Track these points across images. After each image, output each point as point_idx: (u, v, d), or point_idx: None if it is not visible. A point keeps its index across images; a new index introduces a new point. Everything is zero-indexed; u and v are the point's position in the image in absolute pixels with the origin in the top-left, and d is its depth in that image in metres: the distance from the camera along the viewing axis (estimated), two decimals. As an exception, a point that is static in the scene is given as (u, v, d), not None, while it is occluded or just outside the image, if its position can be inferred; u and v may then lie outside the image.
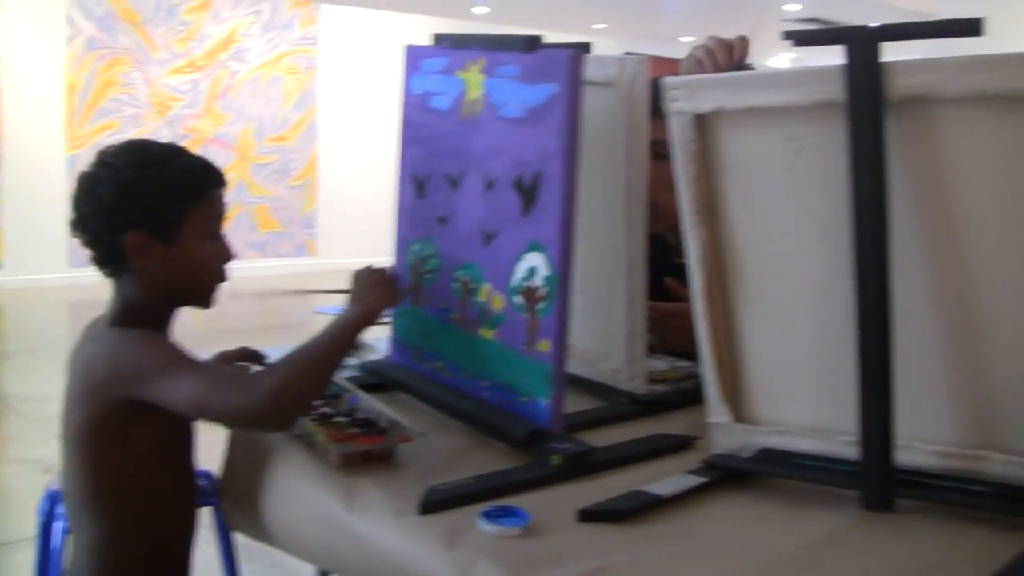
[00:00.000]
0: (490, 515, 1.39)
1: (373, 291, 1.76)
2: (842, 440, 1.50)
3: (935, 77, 1.35)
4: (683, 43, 11.20)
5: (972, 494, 1.43)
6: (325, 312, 9.60)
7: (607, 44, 14.47)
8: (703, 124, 1.57)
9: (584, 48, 1.68)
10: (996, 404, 1.43)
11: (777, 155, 1.50)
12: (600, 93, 1.83)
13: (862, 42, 1.37)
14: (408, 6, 12.33)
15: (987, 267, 1.39)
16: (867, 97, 1.37)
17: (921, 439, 1.47)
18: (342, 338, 1.68)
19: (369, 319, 1.72)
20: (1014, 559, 1.24)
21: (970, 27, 1.32)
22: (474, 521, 1.39)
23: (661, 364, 2.12)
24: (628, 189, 1.86)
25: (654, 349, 2.15)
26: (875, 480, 1.44)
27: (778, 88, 1.47)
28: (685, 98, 1.56)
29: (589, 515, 1.42)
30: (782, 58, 16.18)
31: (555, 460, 1.58)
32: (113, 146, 1.78)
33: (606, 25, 13.68)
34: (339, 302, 1.86)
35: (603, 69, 1.82)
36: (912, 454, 1.47)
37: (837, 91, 1.40)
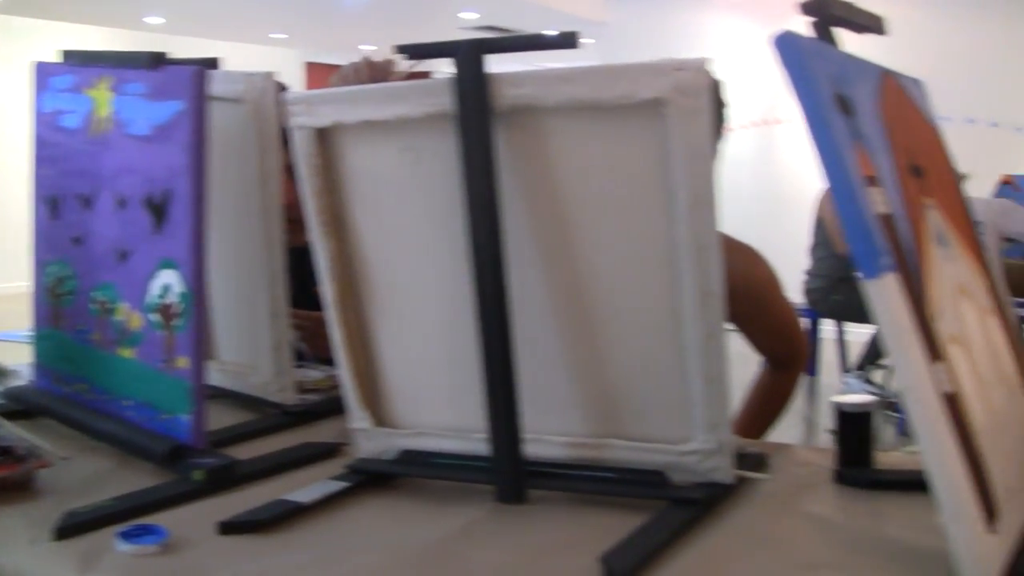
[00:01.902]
0: (127, 535, 1.37)
1: None
2: (476, 438, 1.55)
3: (536, 88, 1.41)
4: (364, 52, 11.23)
5: (597, 480, 1.51)
6: (6, 339, 9.13)
7: (287, 54, 14.36)
8: (324, 138, 1.59)
9: (210, 64, 1.68)
10: (615, 394, 1.52)
11: (396, 166, 1.54)
12: (230, 109, 1.83)
13: (468, 55, 1.43)
14: (77, 16, 11.90)
15: (595, 265, 1.47)
16: (474, 107, 1.42)
17: (549, 432, 1.54)
18: None
19: None
20: (629, 535, 1.32)
21: (567, 41, 1.39)
22: (111, 542, 1.37)
23: (315, 373, 2.13)
24: (263, 203, 1.87)
25: (303, 357, 2.17)
26: (506, 474, 1.50)
27: (392, 101, 1.50)
28: (305, 113, 1.58)
29: (229, 527, 1.42)
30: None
31: (197, 475, 1.58)
32: None
33: (285, 35, 13.57)
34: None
35: (232, 85, 1.83)
36: (541, 446, 1.54)
37: (447, 102, 1.45)
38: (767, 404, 2.40)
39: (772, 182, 9.70)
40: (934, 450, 1.02)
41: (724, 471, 1.46)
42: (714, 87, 2.07)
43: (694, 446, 1.45)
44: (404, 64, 2.13)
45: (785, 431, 3.58)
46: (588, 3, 11.18)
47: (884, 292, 1.03)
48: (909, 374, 1.03)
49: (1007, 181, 6.93)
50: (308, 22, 12.52)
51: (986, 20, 9.67)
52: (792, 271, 4.30)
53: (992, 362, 1.32)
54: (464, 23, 11.77)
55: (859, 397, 1.62)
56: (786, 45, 1.06)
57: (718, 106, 2.12)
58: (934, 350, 1.08)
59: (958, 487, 1.03)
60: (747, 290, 2.20)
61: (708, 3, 10.19)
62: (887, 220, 1.09)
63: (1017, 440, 1.31)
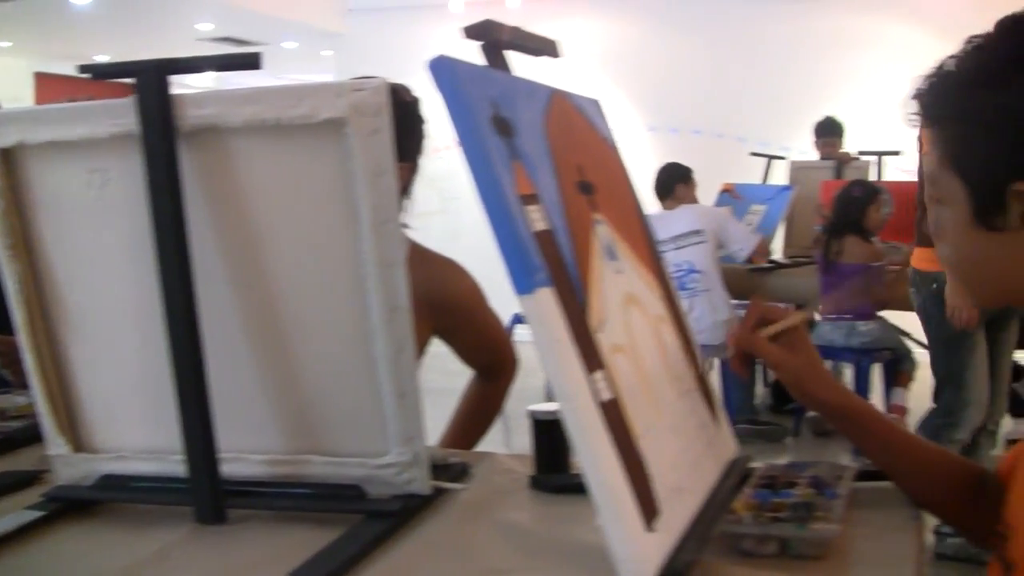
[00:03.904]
0: None
1: None
2: (175, 459, 1.53)
3: (220, 108, 1.42)
4: (98, 62, 10.89)
5: (295, 497, 1.53)
6: None
7: (14, 63, 13.79)
8: (9, 158, 1.55)
9: None
10: (311, 410, 1.53)
11: (84, 187, 1.51)
12: None
13: (150, 75, 1.41)
14: None
15: (285, 283, 1.48)
16: (158, 128, 1.41)
17: (247, 450, 1.55)
18: None
19: None
20: (319, 551, 1.34)
21: (248, 61, 1.40)
22: None
23: (19, 399, 2.07)
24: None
25: (6, 383, 2.11)
26: (203, 494, 1.50)
27: (76, 121, 1.48)
28: (-13, 133, 1.54)
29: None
30: (206, 77, 16.16)
31: None
32: None
33: (11, 43, 13.02)
34: None
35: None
36: (240, 465, 1.54)
37: (132, 123, 1.43)
38: (477, 415, 2.45)
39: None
40: (589, 456, 1.07)
41: (421, 482, 1.49)
42: (412, 104, 2.11)
43: (390, 459, 1.48)
44: None
45: (523, 437, 3.67)
46: (327, 15, 11.16)
47: (538, 307, 1.07)
48: (564, 384, 1.07)
49: (727, 189, 7.25)
50: (36, 30, 12.03)
51: (710, 39, 10.13)
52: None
53: (664, 367, 1.39)
54: (200, 34, 11.56)
55: (553, 405, 1.67)
56: (440, 69, 1.10)
57: (417, 123, 2.16)
58: (593, 360, 1.13)
59: (614, 490, 1.08)
60: (451, 303, 2.25)
61: (447, 14, 10.31)
62: (546, 236, 1.13)
63: (689, 440, 1.38)
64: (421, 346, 2.25)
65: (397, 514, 1.45)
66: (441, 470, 1.60)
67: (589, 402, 1.08)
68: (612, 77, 10.50)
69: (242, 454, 1.54)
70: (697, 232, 6.12)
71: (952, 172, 1.20)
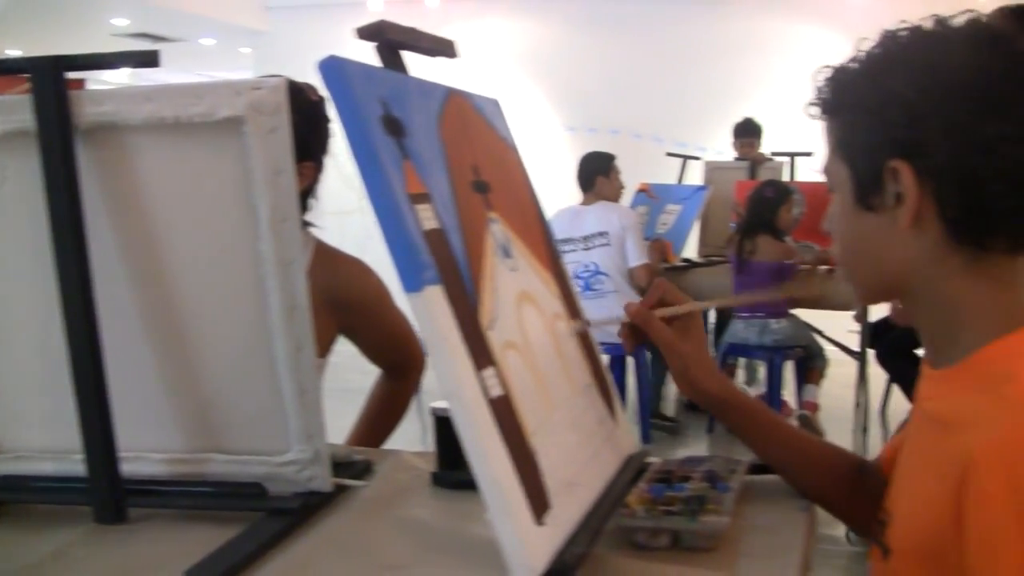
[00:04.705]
0: None
1: None
2: (75, 459, 1.52)
3: (119, 105, 1.42)
4: (12, 56, 10.71)
5: (196, 495, 1.53)
6: None
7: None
8: (-95, 156, 1.53)
9: None
10: (212, 409, 1.53)
11: (-20, 185, 1.51)
12: None
13: (46, 72, 1.41)
14: None
15: (185, 282, 1.48)
16: (54, 125, 1.41)
17: (148, 449, 1.55)
18: None
19: None
20: (216, 549, 1.34)
21: (147, 59, 1.40)
22: None
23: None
24: None
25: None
26: (103, 494, 1.49)
27: (-29, 118, 1.47)
28: None
29: None
30: (121, 73, 15.97)
31: None
32: None
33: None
34: None
35: None
36: (141, 464, 1.54)
37: (28, 120, 1.43)
38: (385, 413, 2.46)
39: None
40: (477, 452, 1.08)
41: (322, 480, 1.50)
42: (318, 103, 2.12)
43: (290, 457, 1.49)
44: None
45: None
46: (246, 12, 11.09)
47: (426, 304, 1.08)
48: (452, 381, 1.08)
49: (643, 189, 7.30)
50: (-61, 23, 11.87)
51: (628, 41, 10.23)
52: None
53: (560, 364, 1.41)
54: (116, 30, 11.43)
55: (455, 402, 1.68)
56: (330, 69, 1.11)
57: (322, 122, 2.16)
58: (483, 357, 1.14)
59: (503, 485, 1.09)
60: (355, 302, 2.25)
61: (366, 13, 10.32)
62: (436, 235, 1.15)
63: (586, 436, 1.40)
64: (326, 345, 2.25)
65: (297, 511, 1.46)
66: (344, 468, 1.61)
67: (479, 399, 1.10)
68: (531, 77, 10.56)
69: (142, 453, 1.54)
70: (603, 234, 6.14)
71: (839, 158, 1.25)
